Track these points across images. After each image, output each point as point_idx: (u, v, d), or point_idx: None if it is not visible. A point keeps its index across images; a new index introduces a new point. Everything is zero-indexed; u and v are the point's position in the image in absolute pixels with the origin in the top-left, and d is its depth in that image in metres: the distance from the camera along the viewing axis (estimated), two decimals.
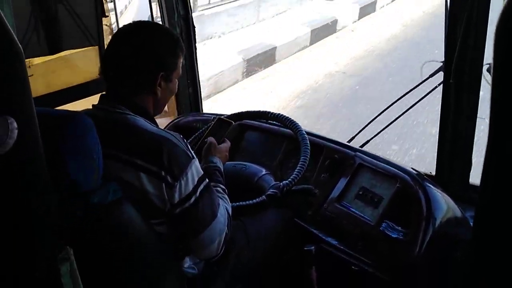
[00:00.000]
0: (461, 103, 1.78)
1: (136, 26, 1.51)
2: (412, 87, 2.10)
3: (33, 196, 0.95)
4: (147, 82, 1.41)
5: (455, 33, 1.71)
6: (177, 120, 2.30)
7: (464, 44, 1.69)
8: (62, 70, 2.22)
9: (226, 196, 1.56)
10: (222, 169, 1.65)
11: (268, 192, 1.74)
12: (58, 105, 2.05)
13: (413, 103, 2.07)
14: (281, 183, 1.77)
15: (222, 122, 1.83)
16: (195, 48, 2.49)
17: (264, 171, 1.88)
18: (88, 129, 1.16)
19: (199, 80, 2.57)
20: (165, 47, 1.44)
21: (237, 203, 1.68)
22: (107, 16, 2.32)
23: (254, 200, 1.71)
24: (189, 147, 1.41)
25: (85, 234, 1.19)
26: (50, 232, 1.00)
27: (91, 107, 1.46)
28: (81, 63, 2.29)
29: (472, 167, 1.89)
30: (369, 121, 2.20)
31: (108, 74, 1.45)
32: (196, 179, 1.37)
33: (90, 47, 2.28)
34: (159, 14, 2.41)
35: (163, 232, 1.39)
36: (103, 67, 1.46)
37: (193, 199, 1.35)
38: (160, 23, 2.37)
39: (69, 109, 2.09)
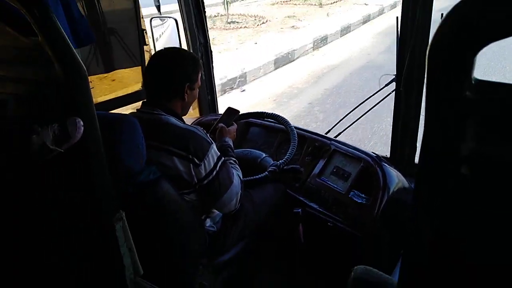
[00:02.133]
0: (408, 105, 1.78)
1: (167, 51, 1.54)
2: (371, 94, 2.09)
3: (96, 176, 0.97)
4: (177, 91, 1.45)
5: (404, 53, 1.71)
6: (200, 119, 2.31)
7: (411, 62, 1.69)
8: (114, 83, 2.23)
9: (237, 166, 1.62)
10: (233, 146, 1.71)
11: (269, 169, 1.77)
12: (112, 109, 2.08)
13: (373, 105, 2.06)
14: (278, 162, 1.79)
15: (231, 110, 1.87)
16: (212, 67, 2.50)
17: (264, 155, 1.90)
18: (134, 127, 1.19)
19: (215, 90, 2.58)
20: (189, 65, 1.47)
21: (247, 178, 1.71)
22: (147, 45, 2.33)
23: (259, 175, 1.74)
24: (208, 136, 1.45)
25: (134, 203, 1.21)
26: (109, 201, 1.02)
27: (135, 111, 1.49)
28: (128, 78, 2.30)
29: (416, 151, 1.89)
30: (342, 117, 2.20)
31: (148, 86, 1.49)
32: (216, 158, 1.42)
33: (134, 67, 2.29)
34: (185, 41, 2.42)
35: (192, 199, 1.42)
36: (144, 81, 1.48)
37: (214, 173, 1.41)
38: (186, 48, 2.38)
39: (120, 112, 2.12)
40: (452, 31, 0.45)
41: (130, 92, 2.27)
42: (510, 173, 0.48)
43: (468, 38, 0.44)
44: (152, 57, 1.54)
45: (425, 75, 0.50)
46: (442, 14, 0.48)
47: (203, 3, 2.33)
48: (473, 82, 0.47)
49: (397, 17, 1.69)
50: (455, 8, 0.44)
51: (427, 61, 0.48)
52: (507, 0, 0.41)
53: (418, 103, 1.75)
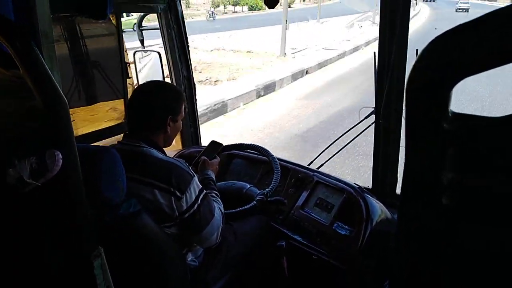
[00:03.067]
0: (388, 136, 1.82)
1: (150, 84, 1.56)
2: (351, 126, 2.13)
3: (74, 208, 0.94)
4: (159, 123, 1.45)
5: (382, 87, 1.76)
6: (182, 151, 2.30)
7: (389, 95, 1.74)
8: (97, 116, 2.22)
9: (219, 199, 1.59)
10: (215, 179, 1.69)
11: (257, 198, 1.75)
12: (93, 142, 2.05)
13: (353, 137, 2.10)
14: (265, 190, 1.78)
15: (214, 144, 1.87)
16: (196, 100, 2.52)
17: (249, 185, 1.89)
18: (115, 159, 1.17)
19: (198, 122, 2.58)
20: (171, 97, 1.48)
21: (234, 210, 1.69)
22: (130, 77, 2.34)
23: (247, 205, 1.72)
24: (190, 168, 1.43)
25: (113, 237, 1.17)
26: (87, 235, 0.98)
27: (117, 143, 1.48)
28: (110, 111, 2.29)
29: (398, 181, 1.91)
30: (323, 149, 2.22)
31: (130, 119, 1.48)
32: (198, 191, 1.40)
33: (117, 100, 2.29)
34: (168, 74, 2.44)
35: (173, 233, 1.39)
36: (126, 114, 1.48)
37: (196, 206, 1.39)
38: (169, 81, 2.40)
39: (101, 144, 2.09)
40: (428, 68, 0.46)
41: (112, 124, 2.25)
42: (489, 201, 0.49)
43: (443, 74, 0.45)
44: (135, 90, 1.54)
45: (403, 108, 0.51)
46: (417, 50, 0.49)
47: (186, 38, 2.37)
48: (450, 114, 0.48)
49: (374, 52, 1.75)
50: (430, 46, 0.46)
51: (405, 95, 0.50)
52: (477, 39, 0.43)
53: (398, 135, 1.79)
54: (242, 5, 35.56)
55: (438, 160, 0.50)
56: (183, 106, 1.52)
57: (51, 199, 0.90)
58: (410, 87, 0.48)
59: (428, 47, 0.46)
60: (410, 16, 1.63)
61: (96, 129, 2.17)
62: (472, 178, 0.49)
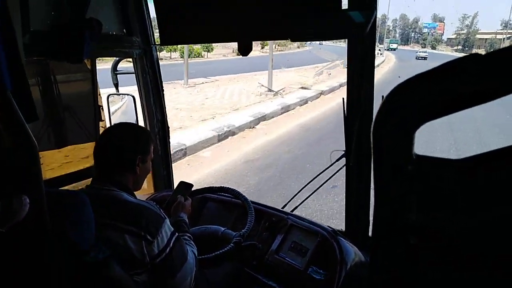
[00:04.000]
0: (359, 179, 1.86)
1: (118, 125, 1.56)
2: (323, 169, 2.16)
3: (40, 254, 0.90)
4: (128, 165, 1.44)
5: (351, 131, 1.82)
6: (154, 195, 2.26)
7: (358, 138, 1.79)
8: (67, 159, 2.17)
9: (192, 242, 1.56)
10: (187, 221, 1.65)
11: (234, 240, 1.72)
12: (62, 186, 2.00)
13: (325, 180, 2.12)
14: (241, 232, 1.75)
15: (184, 185, 1.85)
16: (169, 143, 2.52)
17: (223, 228, 1.86)
18: (84, 204, 1.15)
19: (171, 166, 2.56)
20: (140, 138, 1.49)
21: (211, 254, 1.64)
22: (103, 120, 2.33)
23: (224, 249, 1.68)
24: (162, 211, 1.41)
25: (81, 284, 1.12)
26: (53, 282, 0.93)
27: (85, 187, 1.46)
28: (81, 154, 2.25)
29: (370, 224, 1.93)
30: (296, 192, 2.23)
31: (98, 161, 1.46)
32: (169, 234, 1.37)
33: (89, 143, 2.25)
34: (142, 118, 2.45)
35: (144, 281, 1.33)
36: (95, 156, 1.46)
37: (168, 250, 1.35)
38: (143, 124, 2.40)
39: (70, 189, 2.03)
40: (391, 113, 0.50)
41: (83, 168, 2.20)
42: (453, 241, 0.51)
43: (404, 119, 0.49)
44: (103, 132, 1.54)
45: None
46: (383, 96, 0.53)
47: (161, 82, 2.41)
48: (414, 157, 0.51)
49: (343, 98, 1.82)
50: (392, 93, 0.49)
51: (372, 139, 0.53)
52: (435, 87, 0.47)
53: (368, 177, 1.83)
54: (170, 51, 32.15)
55: (404, 202, 0.52)
56: (152, 146, 1.52)
57: (16, 244, 0.86)
58: (375, 131, 0.51)
59: (390, 94, 0.49)
60: (379, 62, 1.73)
61: (66, 172, 2.12)
62: (436, 218, 0.51)
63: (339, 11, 1.51)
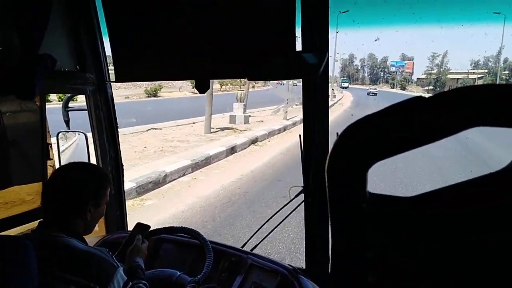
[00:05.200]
0: (317, 216, 1.88)
1: (71, 166, 1.48)
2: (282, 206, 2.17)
3: None
4: (78, 210, 1.35)
5: (308, 167, 1.86)
6: (106, 237, 2.15)
7: (315, 174, 1.83)
8: (10, 201, 2.03)
9: None
10: (143, 266, 1.56)
11: (188, 286, 1.64)
12: (4, 230, 1.86)
13: (285, 217, 2.13)
14: (196, 277, 1.68)
15: (141, 226, 1.78)
16: (123, 182, 2.43)
17: (179, 273, 1.79)
18: (26, 251, 1.06)
19: (125, 205, 2.47)
20: (94, 182, 1.40)
21: None
22: (51, 159, 2.22)
23: None
24: (114, 258, 1.33)
25: None
26: None
27: (30, 232, 1.35)
28: (26, 195, 2.12)
29: (329, 261, 1.93)
30: (255, 230, 2.21)
31: (46, 204, 1.37)
32: (122, 283, 1.29)
33: (35, 183, 2.13)
34: (94, 156, 2.36)
35: None
36: (42, 198, 1.37)
37: None
38: (95, 163, 2.32)
39: (13, 234, 1.89)
40: (343, 151, 0.51)
41: (27, 210, 2.07)
42: (411, 278, 0.52)
43: (357, 157, 0.50)
44: (54, 173, 1.46)
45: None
46: (337, 133, 0.55)
47: (115, 119, 2.36)
48: (367, 195, 0.53)
49: (300, 135, 1.87)
50: (344, 131, 0.51)
51: (326, 177, 0.54)
52: (391, 124, 0.49)
53: (326, 214, 1.85)
54: None
55: (359, 239, 0.53)
56: (108, 190, 1.45)
57: None
58: (329, 169, 0.52)
59: (343, 133, 0.51)
60: (337, 99, 1.81)
61: (9, 215, 1.97)
62: (391, 256, 0.52)
63: (294, 53, 1.58)
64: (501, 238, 0.49)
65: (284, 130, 14.91)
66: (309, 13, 1.59)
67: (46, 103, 2.14)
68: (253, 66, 1.64)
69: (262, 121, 16.76)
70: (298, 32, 1.60)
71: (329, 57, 1.61)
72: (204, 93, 1.90)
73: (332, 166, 0.52)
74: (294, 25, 1.56)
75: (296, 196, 2.05)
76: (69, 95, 2.49)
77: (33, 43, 1.68)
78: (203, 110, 13.49)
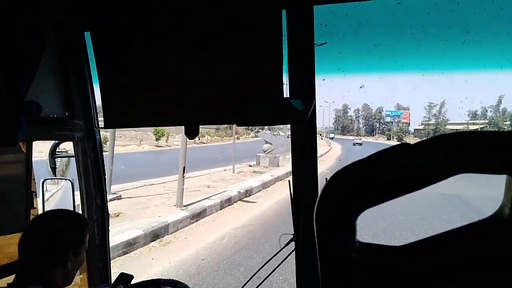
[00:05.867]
0: (309, 263, 1.83)
1: (49, 213, 1.44)
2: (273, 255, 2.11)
3: None
4: (58, 259, 1.29)
5: (298, 214, 1.83)
6: None
7: (305, 222, 1.80)
8: None
9: None
10: None
11: None
12: None
13: (276, 266, 2.06)
14: None
15: (124, 276, 1.70)
16: (108, 231, 2.36)
17: None
18: None
19: (109, 256, 2.38)
20: (73, 229, 1.36)
21: None
22: (35, 208, 2.16)
23: None
24: None
25: None
26: None
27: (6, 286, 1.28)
28: (9, 246, 2.03)
29: None
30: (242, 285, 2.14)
31: (23, 255, 1.31)
32: None
33: (18, 234, 2.06)
34: (80, 204, 2.31)
35: None
36: (19, 248, 1.31)
37: None
38: (81, 211, 2.26)
39: None
40: (331, 200, 0.50)
41: (6, 263, 1.98)
42: None
43: (345, 205, 0.49)
44: (32, 220, 1.41)
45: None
46: (326, 179, 0.54)
47: (103, 166, 2.33)
48: (357, 244, 0.51)
49: (289, 181, 1.86)
50: (331, 179, 0.51)
51: (315, 225, 0.52)
52: (377, 172, 0.49)
53: (317, 262, 1.81)
54: None
55: (350, 286, 0.51)
56: (87, 236, 1.40)
57: None
58: (317, 217, 0.51)
59: (329, 180, 0.51)
60: (327, 149, 1.82)
61: None
62: None
63: (282, 99, 1.61)
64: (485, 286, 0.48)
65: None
66: (296, 60, 1.63)
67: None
68: (241, 112, 1.66)
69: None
70: (286, 79, 1.64)
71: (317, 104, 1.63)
72: (193, 139, 1.90)
73: (320, 214, 0.51)
74: (281, 72, 1.60)
75: (286, 244, 2.00)
76: (56, 141, 2.48)
77: (20, 89, 1.68)
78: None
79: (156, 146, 35.50)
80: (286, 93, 1.63)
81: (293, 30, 1.64)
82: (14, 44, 1.59)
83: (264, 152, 20.33)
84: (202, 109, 1.78)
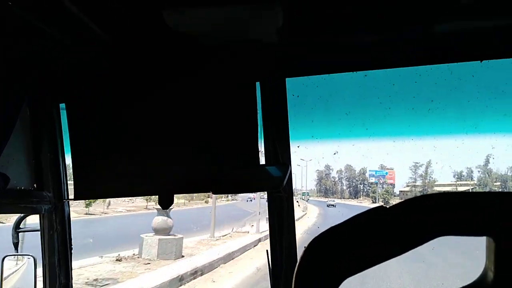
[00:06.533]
0: None
1: None
2: None
3: None
4: None
5: (278, 283, 1.76)
6: None
7: None
8: None
9: None
10: None
11: None
12: None
13: None
14: None
15: None
16: None
17: None
18: None
19: None
20: None
21: None
22: None
23: None
24: None
25: None
26: None
27: None
28: None
29: None
30: None
31: None
32: None
33: None
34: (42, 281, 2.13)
35: None
36: None
37: None
38: None
39: None
40: (309, 267, 0.48)
41: None
42: None
43: (324, 274, 0.47)
44: None
45: None
46: (304, 247, 0.52)
47: (70, 241, 2.21)
48: None
49: (267, 250, 1.80)
50: (310, 245, 0.49)
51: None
52: (353, 238, 0.48)
53: None
54: None
55: None
56: None
57: None
58: (296, 287, 0.49)
59: (307, 248, 0.49)
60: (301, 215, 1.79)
61: None
62: None
63: (258, 166, 1.61)
64: None
65: None
66: (270, 129, 1.67)
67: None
68: (218, 180, 1.65)
69: None
70: (261, 147, 1.66)
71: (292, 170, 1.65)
72: (167, 209, 1.85)
73: (298, 285, 0.49)
74: (257, 139, 1.63)
75: None
76: (22, 215, 2.35)
77: None
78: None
79: (86, 214, 27.19)
80: (262, 161, 1.64)
81: (267, 100, 1.70)
82: None
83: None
84: (176, 177, 1.76)
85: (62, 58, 1.87)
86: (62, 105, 2.12)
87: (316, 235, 0.52)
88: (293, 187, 1.74)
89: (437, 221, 0.45)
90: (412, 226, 0.45)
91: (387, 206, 0.48)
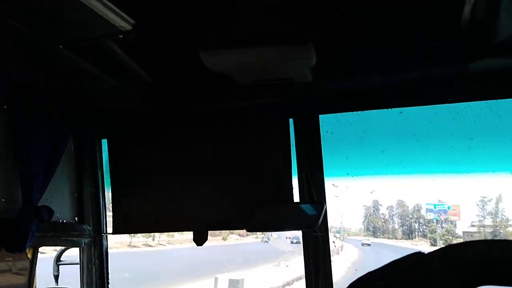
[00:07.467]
0: None
1: None
2: None
3: None
4: None
5: None
6: None
7: None
8: None
9: None
10: None
11: None
12: None
13: None
14: None
15: None
16: None
17: None
18: None
19: None
20: None
21: None
22: None
23: None
24: None
25: None
26: None
27: None
28: None
29: None
30: None
31: None
32: None
33: None
34: None
35: None
36: None
37: None
38: None
39: None
40: None
41: None
42: None
43: None
44: None
45: None
46: None
47: (107, 274, 2.24)
48: None
49: None
50: None
51: None
52: (390, 285, 0.46)
53: None
54: None
55: None
56: None
57: None
58: None
59: None
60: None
61: None
62: None
63: (292, 204, 1.60)
64: None
65: None
66: (305, 166, 1.66)
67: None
68: (252, 217, 1.64)
69: None
70: (295, 184, 1.65)
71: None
72: (201, 245, 1.86)
73: None
74: (291, 177, 1.62)
75: None
76: (63, 248, 2.42)
77: (33, 196, 1.70)
78: None
79: (129, 245, 24.35)
80: (296, 198, 1.63)
81: (300, 137, 1.70)
82: (33, 148, 1.66)
83: None
84: (211, 214, 1.77)
85: (107, 97, 1.98)
86: (104, 141, 2.22)
87: (354, 279, 0.51)
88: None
89: (481, 270, 0.43)
90: (452, 274, 0.43)
91: (425, 252, 0.46)
